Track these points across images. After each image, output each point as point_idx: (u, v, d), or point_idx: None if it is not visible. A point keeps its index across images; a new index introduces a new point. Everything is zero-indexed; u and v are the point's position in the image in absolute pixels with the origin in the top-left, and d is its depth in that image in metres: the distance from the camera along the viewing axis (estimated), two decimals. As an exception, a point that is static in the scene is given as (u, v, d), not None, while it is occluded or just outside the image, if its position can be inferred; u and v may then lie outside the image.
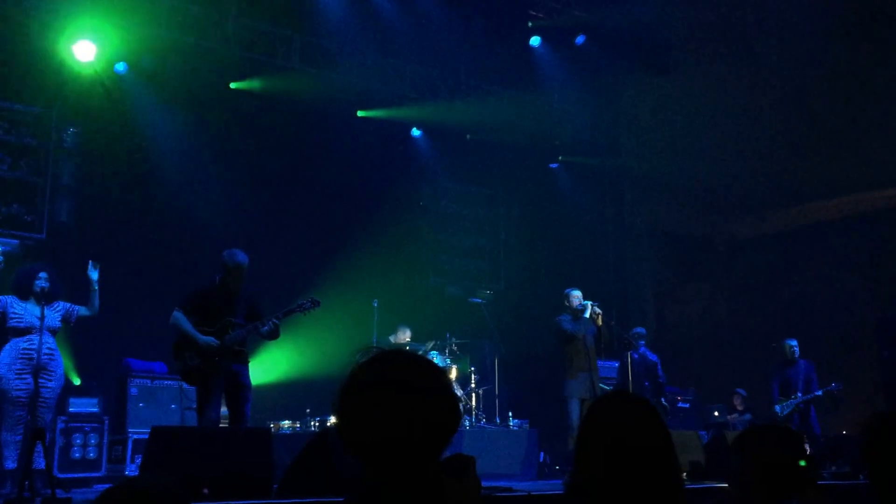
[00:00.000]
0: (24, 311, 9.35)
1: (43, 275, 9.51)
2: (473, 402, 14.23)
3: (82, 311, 9.78)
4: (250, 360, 9.74)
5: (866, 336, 17.44)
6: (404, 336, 14.33)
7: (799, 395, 14.34)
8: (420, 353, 11.24)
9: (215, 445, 7.93)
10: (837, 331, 16.92)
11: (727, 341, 18.92)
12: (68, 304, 9.73)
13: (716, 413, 16.97)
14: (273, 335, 9.46)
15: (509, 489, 8.91)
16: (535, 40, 17.08)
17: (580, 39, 17.09)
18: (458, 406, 2.51)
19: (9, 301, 9.42)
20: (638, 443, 2.79)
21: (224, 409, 9.50)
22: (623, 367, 13.94)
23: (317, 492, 7.09)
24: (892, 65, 16.82)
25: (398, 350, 2.54)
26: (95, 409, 11.68)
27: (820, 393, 14.31)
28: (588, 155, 18.72)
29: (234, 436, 8.62)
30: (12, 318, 9.31)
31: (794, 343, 14.72)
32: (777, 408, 14.39)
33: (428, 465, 2.40)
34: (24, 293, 9.44)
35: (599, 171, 19.23)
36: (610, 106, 19.13)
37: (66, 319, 9.68)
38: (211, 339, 9.15)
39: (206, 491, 7.24)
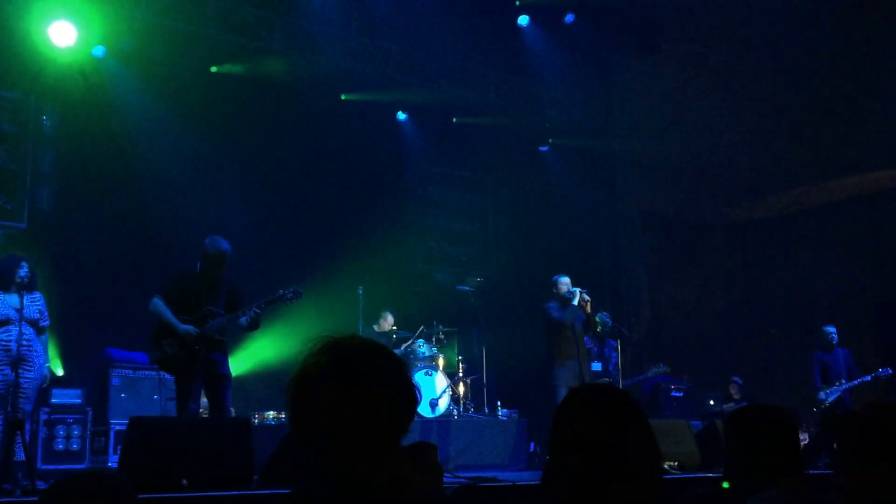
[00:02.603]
0: (0, 302, 9.51)
1: (25, 264, 9.66)
2: (461, 392, 14.37)
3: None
4: (234, 350, 9.88)
5: (868, 321, 17.55)
6: (387, 323, 14.42)
7: (843, 381, 14.41)
8: (405, 339, 11.44)
9: (194, 436, 8.08)
10: (838, 317, 17.01)
11: (723, 328, 19.01)
12: (44, 307, 9.88)
13: (711, 402, 17.01)
14: (253, 326, 9.59)
15: (494, 479, 9.11)
16: (523, 19, 17.00)
17: (569, 18, 17.01)
18: (415, 393, 2.55)
19: None
20: (615, 433, 2.73)
21: (204, 400, 9.66)
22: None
23: (297, 482, 7.23)
24: (893, 43, 16.90)
25: (351, 336, 2.59)
26: (78, 400, 11.83)
27: (869, 378, 14.41)
28: (579, 137, 18.64)
29: (213, 426, 8.79)
30: (-11, 311, 9.47)
31: (833, 330, 14.81)
32: (822, 394, 14.41)
33: (384, 454, 2.44)
34: (3, 284, 9.60)
35: (591, 154, 19.17)
36: (601, 86, 19.04)
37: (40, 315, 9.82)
38: (190, 328, 9.28)
39: (184, 482, 7.43)
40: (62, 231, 13.25)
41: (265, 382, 13.70)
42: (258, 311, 9.48)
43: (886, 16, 16.79)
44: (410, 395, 2.53)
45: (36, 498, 7.33)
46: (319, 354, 2.52)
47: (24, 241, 12.66)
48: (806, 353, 15.23)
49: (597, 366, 14.03)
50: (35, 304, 9.69)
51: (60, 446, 11.40)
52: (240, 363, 13.14)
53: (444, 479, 3.63)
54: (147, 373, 12.18)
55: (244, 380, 13.04)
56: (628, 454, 2.70)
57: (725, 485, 3.82)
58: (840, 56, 17.09)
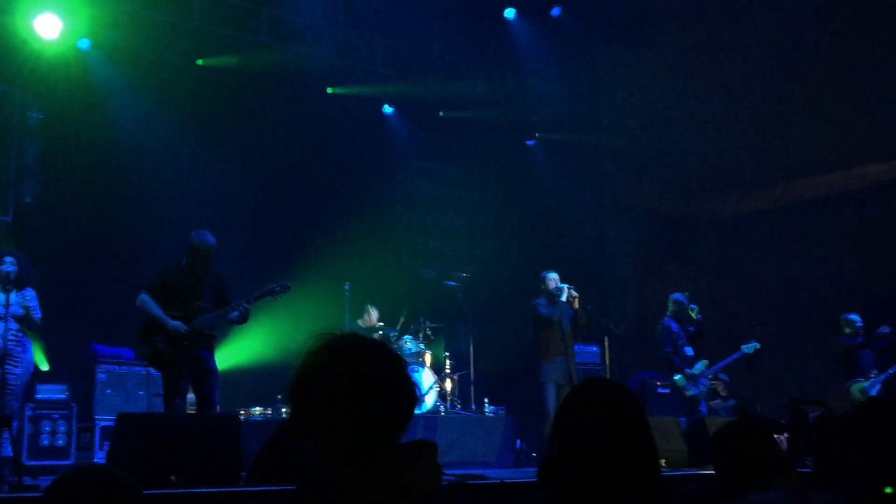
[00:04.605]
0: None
1: (8, 259, 9.69)
2: (448, 388, 14.43)
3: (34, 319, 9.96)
4: (219, 345, 9.89)
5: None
6: (371, 318, 14.38)
7: (875, 371, 13.95)
8: (391, 335, 11.46)
9: (182, 432, 8.13)
10: (825, 311, 17.06)
11: (711, 324, 19.06)
12: (35, 305, 9.90)
13: (700, 399, 17.08)
14: (243, 319, 9.63)
15: (482, 477, 9.14)
16: (509, 12, 16.97)
17: (556, 11, 17.01)
18: (414, 391, 2.57)
19: None
20: (615, 429, 2.82)
21: (191, 396, 9.68)
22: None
23: (286, 479, 7.28)
24: (880, 38, 16.97)
25: (351, 334, 2.59)
26: (63, 396, 11.88)
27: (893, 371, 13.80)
28: (566, 131, 18.67)
29: (201, 422, 8.82)
30: (-27, 307, 9.51)
31: (859, 318, 14.43)
32: (861, 389, 13.84)
33: (383, 452, 2.45)
34: (-11, 279, 9.64)
35: (578, 148, 19.17)
36: (588, 80, 19.03)
37: (26, 311, 9.84)
38: (179, 324, 9.29)
39: (173, 478, 7.48)
40: (47, 225, 13.26)
41: (252, 378, 13.72)
42: (247, 305, 9.52)
43: (875, 11, 16.87)
44: (409, 393, 2.55)
45: (24, 494, 7.39)
46: (320, 351, 2.52)
47: (8, 234, 12.69)
48: (796, 350, 15.14)
49: (689, 350, 13.97)
50: (24, 300, 9.71)
51: (45, 442, 11.44)
52: (226, 358, 13.15)
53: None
54: (133, 368, 12.24)
55: (230, 375, 13.04)
56: (625, 449, 2.79)
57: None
58: (827, 51, 17.16)
